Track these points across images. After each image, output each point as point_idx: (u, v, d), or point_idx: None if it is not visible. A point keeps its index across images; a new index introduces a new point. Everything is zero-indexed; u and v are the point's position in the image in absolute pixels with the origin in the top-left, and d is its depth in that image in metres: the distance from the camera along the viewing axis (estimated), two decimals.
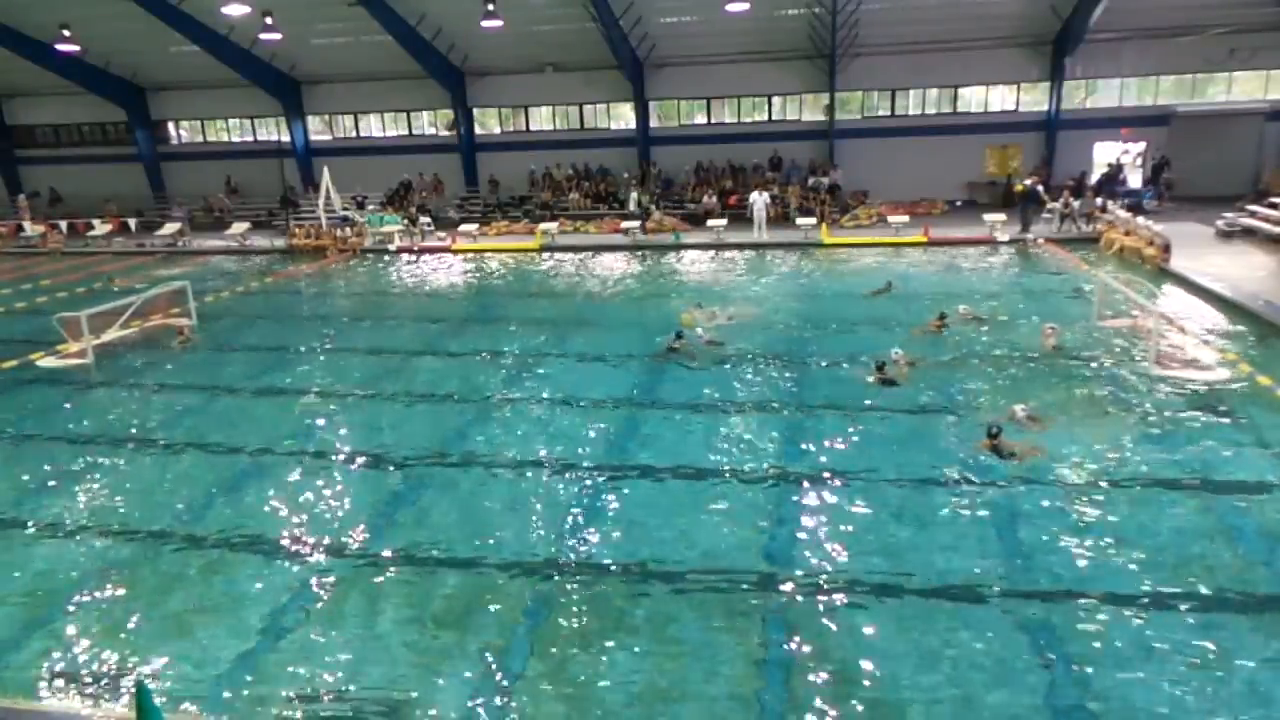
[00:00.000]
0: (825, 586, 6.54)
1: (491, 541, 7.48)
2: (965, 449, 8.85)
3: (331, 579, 7.00)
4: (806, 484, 8.31)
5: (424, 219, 27.14)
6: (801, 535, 7.39)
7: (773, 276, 19.24)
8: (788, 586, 6.56)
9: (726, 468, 8.75)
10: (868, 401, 10.46)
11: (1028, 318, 14.09)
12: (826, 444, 9.28)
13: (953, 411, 9.98)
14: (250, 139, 34.02)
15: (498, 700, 5.46)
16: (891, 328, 13.69)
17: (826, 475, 8.46)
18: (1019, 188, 23.68)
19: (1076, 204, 22.50)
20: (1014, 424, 9.20)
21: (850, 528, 7.46)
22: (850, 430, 9.61)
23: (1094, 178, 26.09)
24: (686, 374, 11.96)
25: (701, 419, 10.23)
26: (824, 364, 12.25)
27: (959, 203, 28.12)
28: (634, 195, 27.03)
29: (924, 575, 6.64)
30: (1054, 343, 12.25)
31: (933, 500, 7.88)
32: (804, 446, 9.28)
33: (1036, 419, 9.37)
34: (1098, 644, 5.73)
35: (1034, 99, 27.81)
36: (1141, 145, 26.81)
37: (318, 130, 33.43)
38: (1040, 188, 23.03)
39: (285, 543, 7.62)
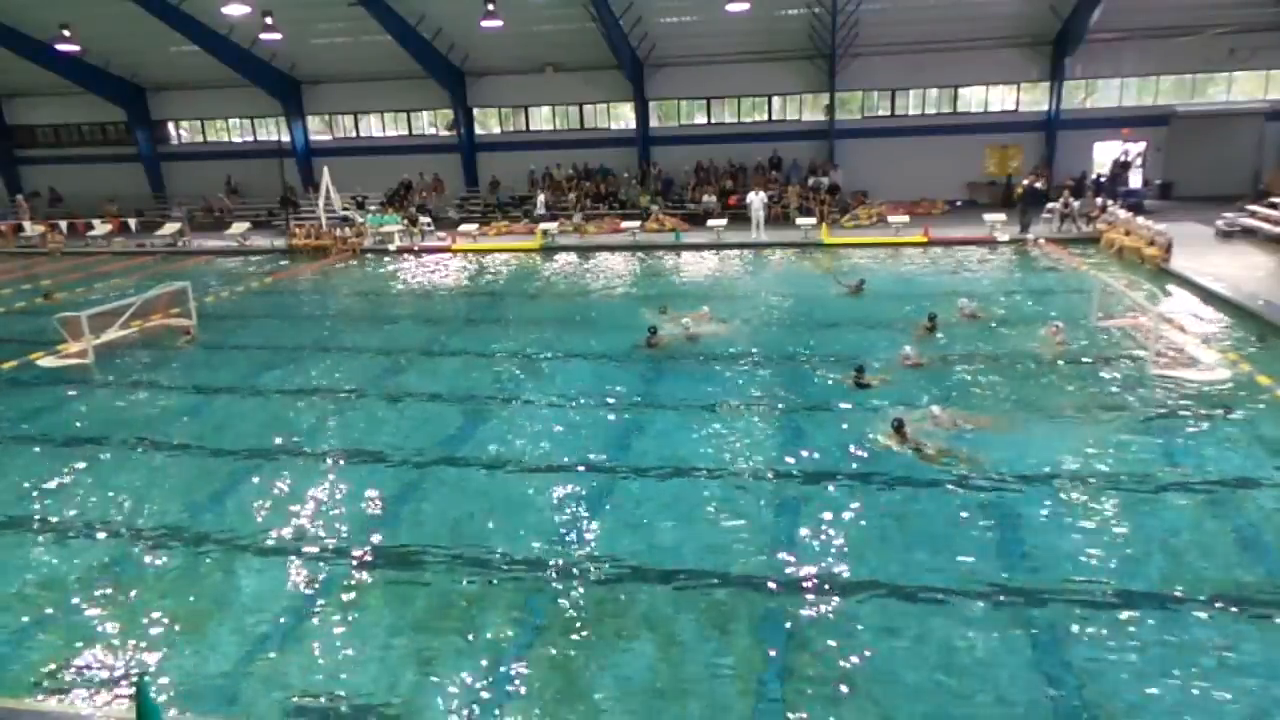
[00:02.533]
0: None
1: (490, 542, 7.47)
2: (892, 450, 8.90)
3: (331, 579, 6.99)
4: (748, 483, 8.40)
5: (424, 219, 27.15)
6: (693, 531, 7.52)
7: (765, 276, 19.29)
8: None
9: (687, 466, 8.84)
10: (839, 404, 10.47)
11: (1027, 317, 14.13)
12: (782, 444, 9.37)
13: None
14: (250, 139, 34.03)
15: (496, 701, 5.46)
16: (863, 330, 13.79)
17: (771, 475, 8.54)
18: (1018, 190, 23.61)
19: (1076, 204, 22.52)
20: (936, 425, 9.26)
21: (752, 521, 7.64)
22: (806, 432, 9.68)
23: (1102, 176, 26.05)
24: (665, 374, 12.01)
25: (668, 418, 10.30)
26: (798, 364, 12.27)
27: (959, 203, 28.13)
28: (540, 198, 26.86)
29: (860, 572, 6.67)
30: (1060, 340, 12.27)
31: (879, 499, 7.95)
32: (760, 447, 9.36)
33: (968, 419, 9.37)
34: (1089, 645, 5.73)
35: (1034, 99, 27.83)
36: (1142, 145, 26.82)
37: (318, 130, 33.45)
38: (1039, 184, 22.97)
39: (284, 543, 7.61)
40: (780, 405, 10.54)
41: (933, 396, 10.46)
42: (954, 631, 5.92)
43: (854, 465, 8.65)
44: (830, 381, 11.28)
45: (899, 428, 8.93)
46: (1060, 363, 11.67)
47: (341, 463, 9.41)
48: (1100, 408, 9.99)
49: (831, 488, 8.20)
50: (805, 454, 9.05)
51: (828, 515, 7.65)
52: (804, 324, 14.62)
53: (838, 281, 15.82)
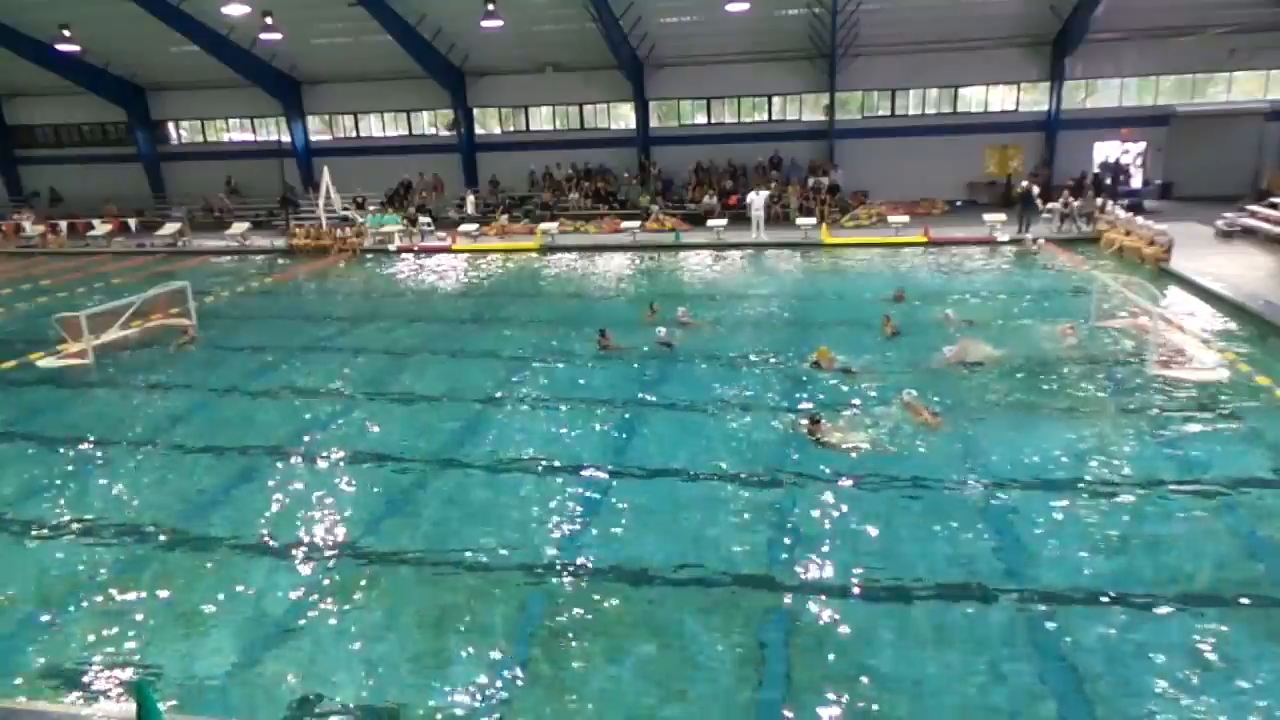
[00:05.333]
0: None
1: (490, 542, 7.46)
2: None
3: (331, 580, 6.98)
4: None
5: (424, 219, 27.16)
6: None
7: (763, 276, 19.32)
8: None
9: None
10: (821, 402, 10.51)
11: (1025, 318, 14.12)
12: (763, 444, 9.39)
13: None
14: (250, 139, 34.05)
15: (496, 702, 5.46)
16: (852, 328, 13.80)
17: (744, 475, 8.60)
18: (1016, 191, 23.56)
19: (1076, 204, 22.51)
20: (908, 410, 9.47)
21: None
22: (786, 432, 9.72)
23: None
24: (652, 374, 12.05)
25: (648, 418, 10.35)
26: (775, 362, 12.35)
27: (959, 203, 28.13)
28: (469, 199, 26.73)
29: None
30: (1073, 340, 12.28)
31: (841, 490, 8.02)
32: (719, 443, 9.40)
33: (934, 416, 9.44)
34: (1084, 646, 5.73)
35: (1034, 99, 27.84)
36: (1142, 145, 26.80)
37: (318, 130, 33.47)
38: (1035, 189, 22.78)
39: (284, 543, 7.60)
40: (770, 405, 10.55)
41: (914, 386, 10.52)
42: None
43: (843, 465, 8.66)
44: (806, 379, 11.34)
45: (814, 420, 9.18)
46: (1059, 361, 11.64)
47: (340, 463, 9.40)
48: (1096, 408, 9.99)
49: (815, 485, 8.21)
50: (785, 452, 9.06)
51: (800, 513, 7.69)
52: (798, 324, 14.61)
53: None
